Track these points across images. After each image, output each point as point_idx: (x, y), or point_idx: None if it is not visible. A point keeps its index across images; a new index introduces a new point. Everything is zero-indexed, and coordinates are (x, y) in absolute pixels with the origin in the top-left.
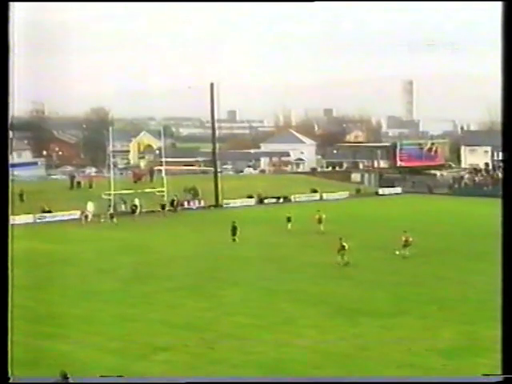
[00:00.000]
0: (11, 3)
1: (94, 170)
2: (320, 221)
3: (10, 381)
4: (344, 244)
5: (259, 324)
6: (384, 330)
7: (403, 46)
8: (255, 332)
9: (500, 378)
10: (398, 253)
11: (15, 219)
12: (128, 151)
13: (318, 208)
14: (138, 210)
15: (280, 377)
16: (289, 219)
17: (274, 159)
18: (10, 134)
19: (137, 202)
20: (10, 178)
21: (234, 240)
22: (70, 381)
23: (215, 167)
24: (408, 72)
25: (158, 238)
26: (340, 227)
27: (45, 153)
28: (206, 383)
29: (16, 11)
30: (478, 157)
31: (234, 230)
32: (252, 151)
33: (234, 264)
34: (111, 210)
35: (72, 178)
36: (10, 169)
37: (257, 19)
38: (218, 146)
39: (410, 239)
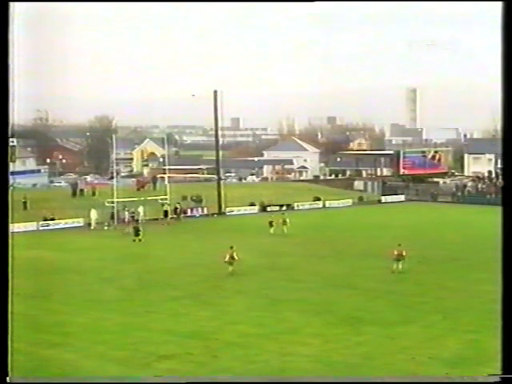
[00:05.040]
0: (11, 3)
1: (97, 177)
2: (284, 223)
3: (10, 381)
4: (235, 256)
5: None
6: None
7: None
8: None
9: (500, 378)
10: (395, 266)
11: (19, 227)
12: (131, 159)
13: (322, 215)
14: (140, 218)
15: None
16: (271, 224)
17: (277, 167)
18: (15, 141)
19: (141, 210)
20: (14, 185)
21: (134, 241)
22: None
23: (218, 175)
24: (410, 79)
25: (161, 246)
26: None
27: (48, 160)
28: (205, 383)
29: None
30: (482, 165)
31: (136, 232)
32: (255, 159)
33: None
34: (115, 219)
35: (75, 185)
36: (14, 177)
37: (259, 26)
38: (221, 153)
39: (404, 253)
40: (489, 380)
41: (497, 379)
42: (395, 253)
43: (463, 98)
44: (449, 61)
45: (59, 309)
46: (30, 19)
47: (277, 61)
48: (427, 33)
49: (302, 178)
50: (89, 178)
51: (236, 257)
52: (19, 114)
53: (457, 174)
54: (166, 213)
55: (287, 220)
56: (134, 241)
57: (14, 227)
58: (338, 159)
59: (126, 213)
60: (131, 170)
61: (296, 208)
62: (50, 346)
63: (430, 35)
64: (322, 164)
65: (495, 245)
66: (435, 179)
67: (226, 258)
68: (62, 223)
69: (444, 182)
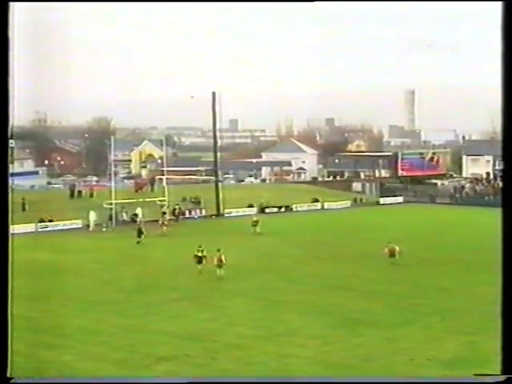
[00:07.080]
0: (11, 3)
1: (95, 179)
2: (256, 224)
3: (11, 381)
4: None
5: None
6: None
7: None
8: None
9: (500, 378)
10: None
11: (18, 228)
12: (130, 160)
13: (320, 217)
14: (138, 220)
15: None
16: (254, 224)
17: (276, 168)
18: (13, 143)
19: (139, 211)
20: (12, 187)
21: (138, 242)
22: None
23: (216, 176)
24: (409, 81)
25: (158, 247)
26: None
27: (47, 162)
28: (205, 383)
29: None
30: (480, 166)
31: (139, 233)
32: (254, 160)
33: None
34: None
35: (73, 187)
36: (12, 178)
37: (257, 26)
38: (219, 155)
39: (397, 248)
40: (490, 380)
41: (502, 379)
42: (386, 250)
43: (461, 100)
44: (447, 62)
45: (58, 310)
46: (28, 19)
47: (276, 61)
48: (426, 33)
49: (300, 180)
50: (88, 180)
51: (224, 260)
52: (18, 116)
53: (455, 175)
54: (164, 214)
55: (258, 221)
56: (138, 243)
57: (13, 229)
58: (337, 161)
59: (124, 214)
60: (129, 172)
61: (294, 210)
62: (49, 348)
63: (430, 35)
64: (321, 165)
65: (494, 246)
66: (433, 181)
67: (215, 262)
68: (60, 225)
69: (442, 184)
